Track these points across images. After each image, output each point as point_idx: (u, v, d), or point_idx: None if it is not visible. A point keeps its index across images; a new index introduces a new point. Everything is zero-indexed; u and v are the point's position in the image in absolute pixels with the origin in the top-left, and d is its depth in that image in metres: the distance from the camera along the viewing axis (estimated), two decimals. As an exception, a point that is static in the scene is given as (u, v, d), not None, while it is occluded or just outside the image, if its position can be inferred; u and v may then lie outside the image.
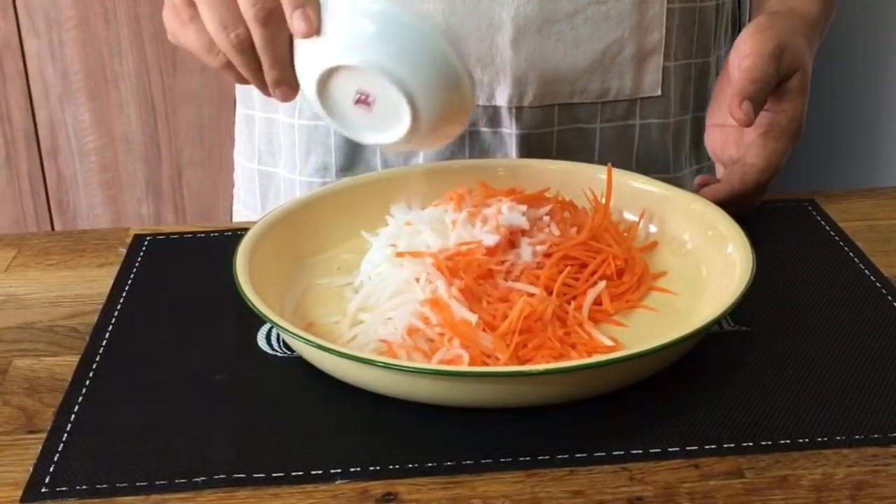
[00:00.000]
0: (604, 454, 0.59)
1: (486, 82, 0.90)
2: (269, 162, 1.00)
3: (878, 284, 0.75)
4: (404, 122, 0.72)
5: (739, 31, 1.05)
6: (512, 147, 0.92)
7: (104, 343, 0.71)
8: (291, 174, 0.98)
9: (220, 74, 0.77)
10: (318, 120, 0.95)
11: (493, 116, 0.92)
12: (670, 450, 0.60)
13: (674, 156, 0.97)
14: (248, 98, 1.02)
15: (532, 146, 0.92)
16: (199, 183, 1.93)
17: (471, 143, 0.93)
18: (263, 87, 0.76)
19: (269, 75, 0.74)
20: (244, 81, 0.77)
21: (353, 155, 0.95)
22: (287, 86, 0.75)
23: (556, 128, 0.92)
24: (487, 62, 0.89)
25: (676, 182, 0.97)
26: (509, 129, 0.91)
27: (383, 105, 0.72)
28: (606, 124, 0.93)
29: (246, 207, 1.05)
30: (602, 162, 0.93)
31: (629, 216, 0.80)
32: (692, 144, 0.99)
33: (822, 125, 2.06)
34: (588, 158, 0.93)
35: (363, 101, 0.72)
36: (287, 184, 0.99)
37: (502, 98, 0.90)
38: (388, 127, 0.73)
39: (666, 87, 0.94)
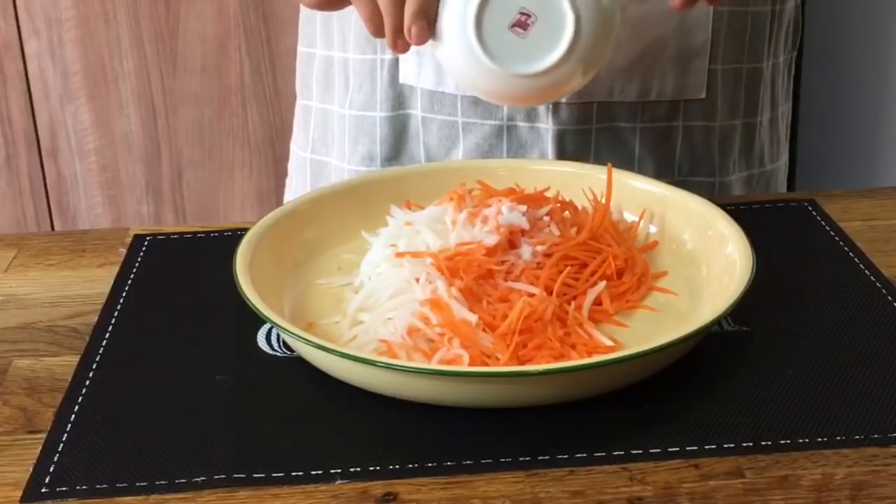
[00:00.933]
0: (604, 454, 0.59)
1: None
2: (321, 151, 1.02)
3: (878, 284, 0.75)
4: (563, 42, 0.72)
5: (801, 39, 1.04)
6: (548, 143, 0.91)
7: (104, 343, 0.71)
8: (341, 162, 0.99)
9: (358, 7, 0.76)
10: (366, 111, 0.96)
11: (531, 111, 0.91)
12: (670, 450, 0.60)
13: (720, 160, 0.95)
14: (306, 89, 1.03)
15: (569, 143, 0.92)
16: (199, 183, 1.93)
17: (508, 138, 0.93)
18: (398, 29, 0.75)
19: (409, 8, 0.73)
20: (377, 21, 0.76)
21: (397, 145, 0.96)
22: (426, 20, 0.74)
23: (594, 125, 0.92)
24: None
25: (723, 187, 0.96)
26: (546, 125, 0.91)
27: (541, 26, 0.72)
28: (647, 125, 0.93)
29: (297, 196, 1.06)
30: (642, 163, 0.93)
31: (629, 216, 0.80)
32: (742, 150, 0.97)
33: (822, 125, 2.06)
34: (627, 158, 0.93)
35: (522, 23, 0.73)
36: (337, 172, 1.00)
37: None
38: (541, 53, 0.73)
39: (712, 90, 0.93)
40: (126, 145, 1.96)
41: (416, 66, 0.93)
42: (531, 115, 0.92)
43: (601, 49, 0.74)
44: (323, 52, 1.00)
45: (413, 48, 0.89)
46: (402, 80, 0.94)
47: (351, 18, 0.95)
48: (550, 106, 0.90)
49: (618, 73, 0.90)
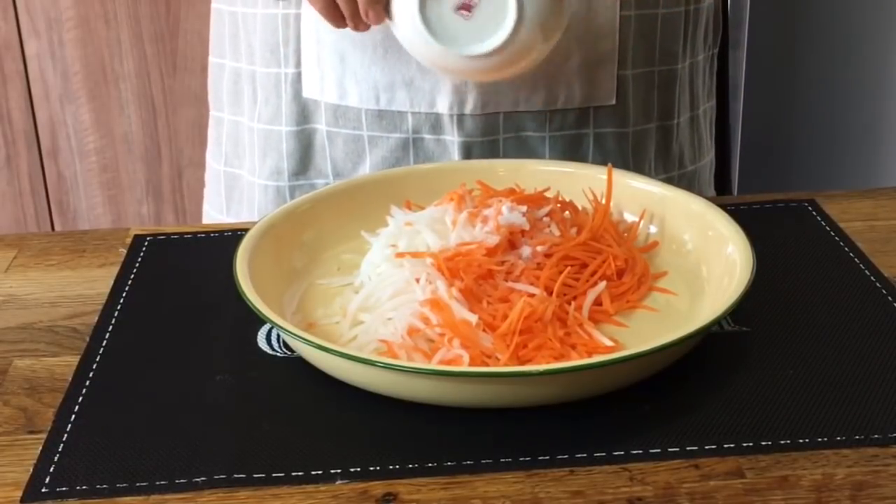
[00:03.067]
0: (604, 454, 0.59)
1: (427, 89, 0.89)
2: (234, 164, 1.01)
3: (878, 284, 0.75)
4: (507, 23, 0.74)
5: (720, 37, 1.03)
6: (455, 155, 0.90)
7: (104, 343, 0.71)
8: (252, 176, 0.98)
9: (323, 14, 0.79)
10: (273, 125, 0.95)
11: (436, 123, 0.90)
12: (670, 450, 0.60)
13: (634, 166, 0.94)
14: (217, 101, 1.02)
15: (476, 154, 0.91)
16: (199, 183, 1.93)
17: (415, 151, 0.92)
18: (356, 17, 0.78)
19: None
20: (334, 12, 0.79)
21: (304, 160, 0.94)
22: (380, 4, 0.77)
23: (501, 136, 0.91)
24: (426, 69, 0.88)
25: None
26: (451, 137, 0.90)
27: (485, 8, 0.74)
28: (556, 133, 0.91)
29: (213, 208, 1.05)
30: None
31: (629, 216, 0.80)
32: (658, 153, 0.96)
33: (822, 125, 2.06)
34: None
35: (466, 6, 0.74)
36: (249, 186, 0.99)
37: (443, 105, 0.89)
38: (487, 34, 0.75)
39: (623, 96, 0.92)
40: (126, 145, 1.96)
41: (318, 81, 0.92)
42: (436, 128, 0.90)
43: (550, 26, 0.75)
44: (232, 63, 0.99)
45: (314, 61, 0.91)
46: (305, 94, 0.93)
47: (258, 30, 0.94)
48: (455, 117, 0.89)
49: (522, 83, 0.89)
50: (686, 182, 0.99)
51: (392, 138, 0.91)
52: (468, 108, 0.89)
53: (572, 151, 0.92)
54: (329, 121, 0.93)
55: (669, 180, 0.97)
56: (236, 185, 1.01)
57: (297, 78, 0.93)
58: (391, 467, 0.59)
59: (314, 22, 0.90)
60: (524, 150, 0.91)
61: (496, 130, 0.90)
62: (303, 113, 0.94)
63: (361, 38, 0.89)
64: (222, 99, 1.01)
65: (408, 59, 0.88)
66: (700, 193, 0.99)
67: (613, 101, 0.91)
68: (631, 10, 0.90)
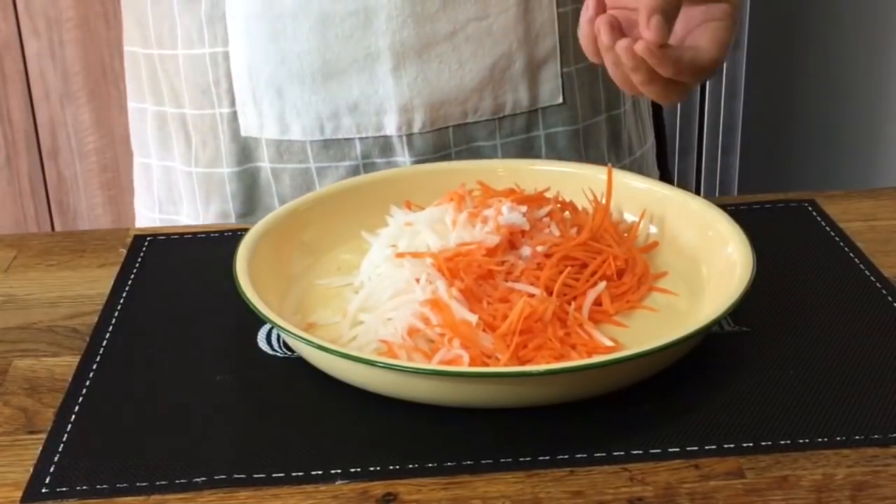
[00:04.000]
0: (604, 454, 0.59)
1: (373, 112, 0.88)
2: (170, 210, 0.98)
3: (878, 284, 0.75)
4: None
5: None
6: None
7: (104, 343, 0.71)
8: (194, 222, 0.95)
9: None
10: (213, 167, 0.92)
11: (385, 146, 0.89)
12: (670, 450, 0.60)
13: (589, 161, 0.94)
14: (143, 147, 0.99)
15: None
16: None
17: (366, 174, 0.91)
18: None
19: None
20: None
21: (249, 200, 0.92)
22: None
23: (452, 149, 0.90)
24: (370, 93, 0.87)
25: None
26: (403, 157, 0.89)
27: None
28: (507, 139, 0.91)
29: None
30: None
31: (629, 216, 0.80)
32: (610, 144, 0.96)
33: (822, 125, 2.06)
34: None
35: None
36: None
37: (391, 127, 0.88)
38: None
39: (568, 94, 0.91)
40: (126, 145, 1.95)
41: (256, 118, 0.89)
42: (386, 150, 0.89)
43: None
44: (154, 107, 0.95)
45: (250, 98, 0.88)
46: (243, 133, 0.90)
47: (181, 72, 0.92)
48: (404, 138, 0.88)
49: (469, 94, 0.88)
50: (636, 168, 0.99)
51: (341, 167, 0.90)
52: (416, 126, 0.88)
53: (524, 155, 0.92)
54: (272, 157, 0.90)
55: (622, 169, 0.97)
56: None
57: (234, 117, 0.90)
58: (391, 467, 0.59)
59: (246, 58, 0.88)
60: (477, 159, 0.91)
61: (447, 145, 0.90)
62: (243, 152, 0.91)
63: (299, 70, 0.87)
64: (148, 144, 0.98)
65: (350, 82, 0.87)
66: (647, 175, 0.99)
67: (560, 100, 0.91)
68: (567, 5, 0.89)
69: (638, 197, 0.80)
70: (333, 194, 0.82)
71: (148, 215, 1.00)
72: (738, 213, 0.77)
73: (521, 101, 0.90)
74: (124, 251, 0.83)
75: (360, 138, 0.89)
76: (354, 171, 0.89)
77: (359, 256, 0.76)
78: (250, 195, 0.92)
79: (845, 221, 0.84)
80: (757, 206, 0.87)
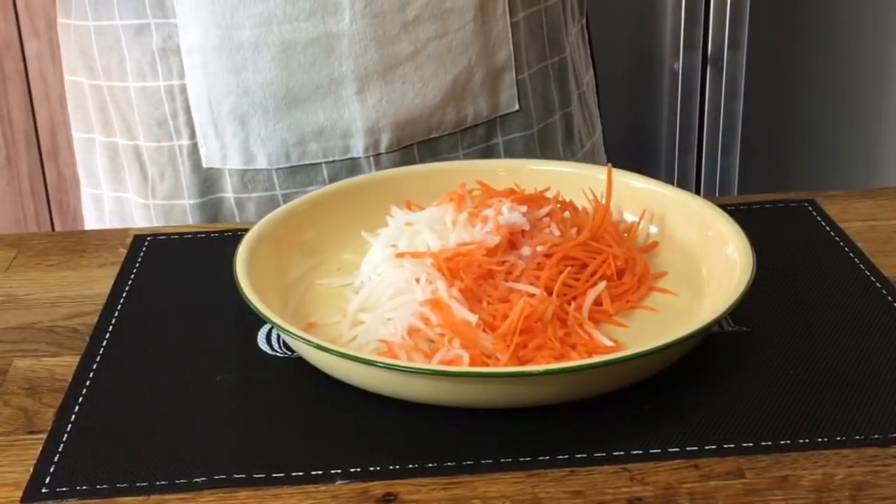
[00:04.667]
0: (604, 454, 0.59)
1: (339, 136, 0.88)
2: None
3: (878, 285, 0.75)
4: None
5: (584, 6, 1.03)
6: None
7: (104, 343, 0.71)
8: None
9: None
10: (173, 199, 0.92)
11: (352, 168, 0.90)
12: (670, 450, 0.60)
13: (546, 160, 0.95)
14: (92, 177, 0.97)
15: None
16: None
17: None
18: None
19: None
20: None
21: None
22: None
23: (417, 164, 0.90)
24: (336, 117, 0.87)
25: None
26: None
27: None
28: (468, 150, 0.92)
29: None
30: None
31: (629, 216, 0.80)
32: (565, 141, 0.97)
33: (822, 125, 2.06)
34: None
35: None
36: None
37: (358, 149, 0.89)
38: None
39: (523, 99, 0.93)
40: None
41: (218, 150, 0.89)
42: (353, 171, 0.89)
43: None
44: (103, 138, 0.94)
45: (212, 130, 0.87)
46: (205, 164, 0.90)
47: (134, 104, 0.90)
48: (371, 158, 0.89)
49: (433, 111, 0.89)
50: (588, 158, 1.01)
51: (308, 191, 0.88)
52: (383, 146, 0.89)
53: None
54: (236, 187, 0.90)
55: (576, 162, 0.98)
56: None
57: (194, 149, 0.90)
58: (391, 467, 0.59)
59: (205, 90, 0.87)
60: None
61: (413, 161, 0.91)
62: (205, 183, 0.91)
63: (262, 100, 0.87)
64: (97, 175, 0.96)
65: (315, 108, 0.87)
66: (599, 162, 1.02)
67: (517, 107, 0.93)
68: (518, 14, 0.90)
69: (638, 197, 0.80)
70: (333, 194, 0.82)
71: None
72: (738, 213, 0.77)
73: (482, 112, 0.91)
74: (124, 251, 0.83)
75: (327, 162, 0.89)
76: None
77: (359, 256, 0.76)
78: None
79: (845, 221, 0.84)
80: (757, 206, 0.87)
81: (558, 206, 0.77)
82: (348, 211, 0.81)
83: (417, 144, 0.90)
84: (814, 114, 2.05)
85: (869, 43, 2.01)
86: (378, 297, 0.70)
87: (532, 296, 0.68)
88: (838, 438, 0.60)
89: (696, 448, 0.60)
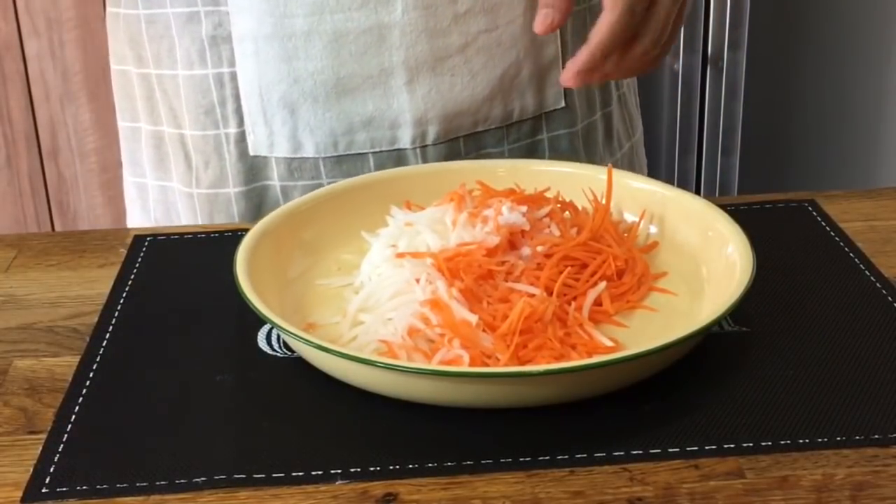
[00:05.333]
0: (604, 454, 0.59)
1: (387, 126, 0.88)
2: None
3: (878, 285, 0.75)
4: None
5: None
6: None
7: (104, 343, 0.71)
8: None
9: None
10: (218, 188, 0.92)
11: (399, 159, 0.90)
12: (670, 450, 0.60)
13: (587, 158, 0.96)
14: (136, 166, 0.98)
15: None
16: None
17: None
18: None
19: None
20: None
21: (257, 219, 0.92)
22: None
23: (463, 158, 0.91)
24: (385, 108, 0.88)
25: None
26: None
27: None
28: (513, 145, 0.92)
29: None
30: None
31: (629, 216, 0.80)
32: (605, 140, 0.98)
33: (822, 125, 2.06)
34: None
35: None
36: None
37: (405, 140, 0.89)
38: None
39: (569, 97, 0.93)
40: (126, 145, 1.95)
41: (266, 137, 0.89)
42: (400, 163, 0.90)
43: None
44: (150, 127, 0.95)
45: (261, 118, 0.88)
46: (252, 152, 0.90)
47: (181, 92, 0.91)
48: (418, 149, 0.89)
49: (480, 104, 0.89)
50: (627, 161, 1.01)
51: None
52: (430, 138, 0.89)
53: (530, 158, 0.93)
54: (282, 175, 0.90)
55: (615, 163, 0.99)
56: None
57: (241, 137, 0.90)
58: (391, 467, 0.59)
59: (255, 78, 0.88)
60: None
61: (458, 154, 0.91)
62: (251, 171, 0.91)
63: (312, 88, 0.87)
64: (142, 164, 0.97)
65: (364, 98, 0.87)
66: (639, 170, 1.03)
67: (563, 104, 0.93)
68: None
69: (638, 197, 0.80)
70: (333, 194, 0.82)
71: None
72: (738, 213, 0.77)
73: (528, 107, 0.92)
74: (124, 251, 0.83)
75: (374, 152, 0.89)
76: None
77: (359, 256, 0.76)
78: (258, 214, 0.91)
79: (845, 221, 0.84)
80: (757, 206, 0.87)
81: (558, 206, 0.77)
82: (348, 211, 0.81)
83: (463, 138, 0.91)
84: (814, 114, 2.05)
85: (869, 43, 2.01)
86: (378, 298, 0.70)
87: (532, 296, 0.68)
88: (838, 438, 0.60)
89: (696, 448, 0.60)
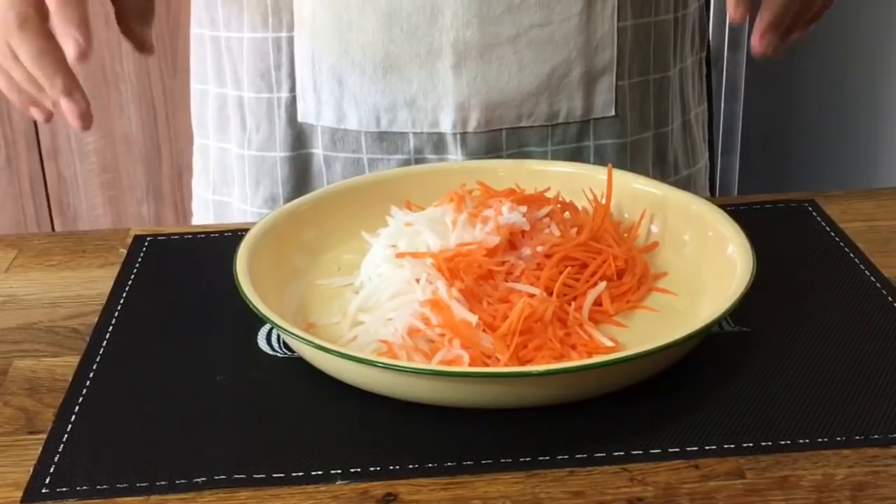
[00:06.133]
0: (604, 455, 0.59)
1: (430, 108, 0.89)
2: (223, 192, 1.00)
3: (878, 285, 0.75)
4: None
5: (706, 41, 1.04)
6: None
7: (104, 343, 0.71)
8: (243, 205, 0.97)
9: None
10: (265, 151, 0.94)
11: (439, 143, 0.90)
12: (670, 450, 0.60)
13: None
14: (202, 128, 1.01)
15: None
16: (199, 183, 1.93)
17: None
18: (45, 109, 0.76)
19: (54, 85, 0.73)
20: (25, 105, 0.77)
21: (300, 185, 0.94)
22: (79, 92, 0.74)
23: (504, 152, 0.91)
24: (429, 88, 0.88)
25: None
26: (455, 156, 0.90)
27: None
28: (558, 147, 0.92)
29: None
30: None
31: (630, 217, 0.80)
32: (655, 161, 0.97)
33: (822, 125, 2.06)
34: None
35: None
36: (240, 214, 0.98)
37: (446, 124, 0.89)
38: None
39: (620, 107, 0.92)
40: (126, 146, 1.96)
41: (314, 105, 0.91)
42: (439, 147, 0.90)
43: None
44: (216, 89, 0.97)
45: (311, 85, 0.89)
46: (300, 118, 0.92)
47: (244, 55, 0.93)
48: (458, 136, 0.89)
49: (525, 98, 0.89)
50: (681, 187, 0.99)
51: (393, 159, 0.91)
52: (471, 125, 0.89)
53: None
54: (326, 145, 0.92)
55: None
56: (226, 214, 1.00)
57: (292, 102, 0.92)
58: (391, 467, 0.59)
59: (310, 44, 0.89)
60: None
61: (499, 147, 0.91)
62: (298, 138, 0.93)
63: (361, 61, 0.88)
64: (207, 126, 1.00)
65: (410, 76, 0.88)
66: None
67: (613, 113, 0.92)
68: (627, 20, 0.90)
69: (638, 197, 0.80)
70: (333, 194, 0.82)
71: (203, 196, 1.03)
72: (738, 213, 0.77)
73: (575, 110, 0.91)
74: (124, 251, 0.83)
75: (415, 133, 0.90)
76: (405, 165, 0.91)
77: (359, 256, 0.76)
78: (301, 180, 0.93)
79: (845, 222, 0.84)
80: (757, 206, 0.87)
81: (558, 206, 0.77)
82: (348, 211, 0.81)
83: (506, 131, 0.90)
84: (814, 114, 2.05)
85: (869, 43, 2.01)
86: (378, 298, 0.70)
87: (532, 296, 0.68)
88: (838, 438, 0.60)
89: (696, 448, 0.60)
